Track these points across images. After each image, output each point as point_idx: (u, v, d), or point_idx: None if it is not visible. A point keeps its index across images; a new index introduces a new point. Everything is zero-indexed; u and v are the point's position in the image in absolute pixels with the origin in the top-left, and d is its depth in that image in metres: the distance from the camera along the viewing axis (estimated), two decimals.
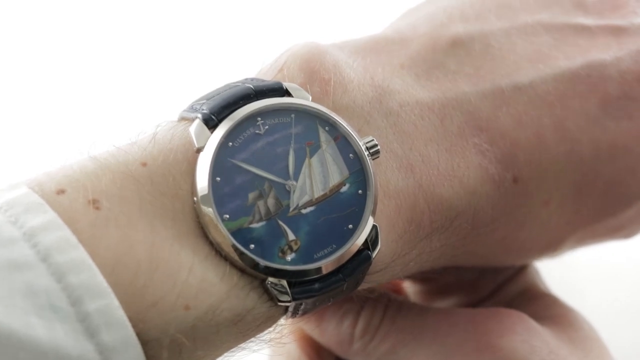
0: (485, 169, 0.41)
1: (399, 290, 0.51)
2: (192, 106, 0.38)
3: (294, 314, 0.38)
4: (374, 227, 0.38)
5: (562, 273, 0.60)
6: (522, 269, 0.49)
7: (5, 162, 0.87)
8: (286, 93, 0.38)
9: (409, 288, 0.51)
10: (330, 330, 0.47)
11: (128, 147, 0.37)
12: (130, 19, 0.99)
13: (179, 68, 0.95)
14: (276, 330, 0.39)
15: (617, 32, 0.45)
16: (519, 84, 0.42)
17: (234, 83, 0.39)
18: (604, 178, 0.44)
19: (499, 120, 0.42)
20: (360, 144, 0.38)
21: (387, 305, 0.46)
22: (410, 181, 0.40)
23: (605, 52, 0.44)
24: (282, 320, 0.39)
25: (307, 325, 0.47)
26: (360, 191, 0.38)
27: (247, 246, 0.35)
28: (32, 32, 0.97)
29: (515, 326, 0.43)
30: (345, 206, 0.37)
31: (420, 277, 0.49)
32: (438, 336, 0.44)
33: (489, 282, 0.49)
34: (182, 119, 0.38)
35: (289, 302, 0.36)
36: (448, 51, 0.43)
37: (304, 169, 0.37)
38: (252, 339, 0.37)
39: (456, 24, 0.44)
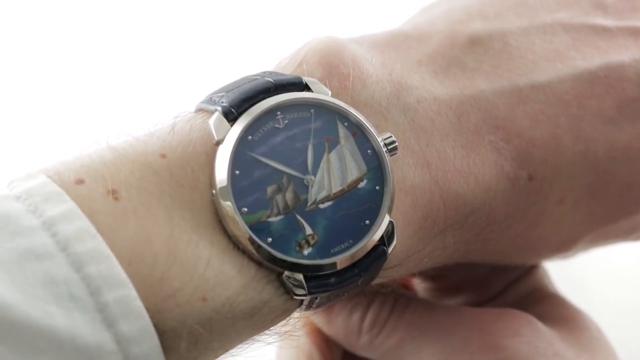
0: (501, 166, 0.41)
1: (409, 287, 0.51)
2: (210, 98, 0.38)
3: (309, 307, 0.38)
4: (390, 223, 0.38)
5: (570, 273, 0.60)
6: (531, 270, 0.49)
7: (11, 152, 0.87)
8: (305, 87, 0.38)
9: (419, 285, 0.51)
10: (339, 323, 0.47)
11: (146, 138, 0.37)
12: (140, 12, 0.99)
13: (187, 61, 0.95)
14: (290, 323, 0.39)
15: (636, 33, 0.45)
16: (537, 82, 0.42)
17: (252, 76, 0.39)
18: (619, 180, 0.44)
19: (516, 119, 0.42)
20: (378, 140, 0.38)
21: (395, 300, 0.46)
22: (427, 177, 0.40)
23: (623, 54, 0.44)
24: (295, 313, 0.39)
25: (317, 319, 0.48)
26: (377, 187, 0.38)
27: (264, 239, 0.35)
28: (37, 27, 0.97)
29: (521, 327, 0.43)
30: (363, 202, 0.37)
31: (430, 274, 0.49)
32: (444, 334, 0.44)
33: (498, 281, 0.49)
34: (200, 110, 0.38)
35: (305, 295, 0.36)
36: (466, 49, 0.43)
37: (323, 164, 0.37)
38: (267, 331, 0.38)
39: (475, 21, 0.44)
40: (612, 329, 0.49)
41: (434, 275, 0.49)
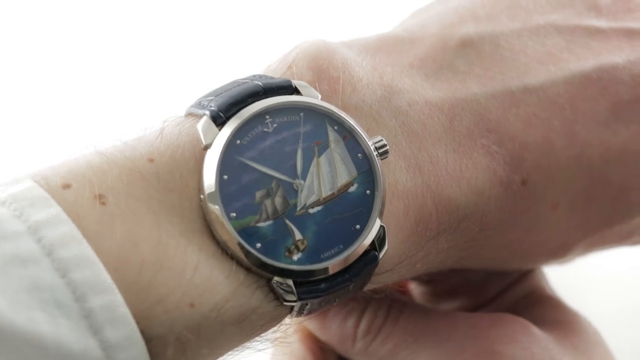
0: (494, 170, 0.41)
1: (404, 291, 0.50)
2: (199, 102, 0.38)
3: (299, 313, 0.38)
4: (382, 227, 0.38)
5: (568, 276, 0.60)
6: (528, 272, 0.49)
7: (5, 155, 0.87)
8: (295, 91, 0.38)
9: (415, 289, 0.51)
10: (333, 329, 0.47)
11: (135, 142, 0.37)
12: (134, 15, 0.99)
13: (182, 63, 0.95)
14: (281, 330, 0.39)
15: (630, 34, 0.45)
16: (529, 85, 0.42)
17: (241, 80, 0.39)
18: (614, 184, 0.44)
19: (508, 122, 0.42)
20: (369, 144, 0.38)
21: (390, 305, 0.46)
22: (419, 182, 0.40)
23: (617, 55, 0.44)
24: (287, 320, 0.39)
25: (311, 324, 0.47)
26: (368, 191, 0.38)
27: (253, 245, 0.35)
28: (33, 29, 0.97)
29: (516, 333, 0.43)
30: (353, 206, 0.37)
31: (426, 279, 0.49)
32: (439, 340, 0.44)
33: (495, 284, 0.49)
34: (189, 114, 0.38)
35: (295, 301, 0.36)
36: (458, 51, 0.43)
37: (312, 168, 0.37)
38: (257, 338, 0.37)
39: (467, 24, 0.44)
40: (612, 333, 0.49)
41: (429, 279, 0.49)
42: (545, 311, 0.47)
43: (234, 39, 0.95)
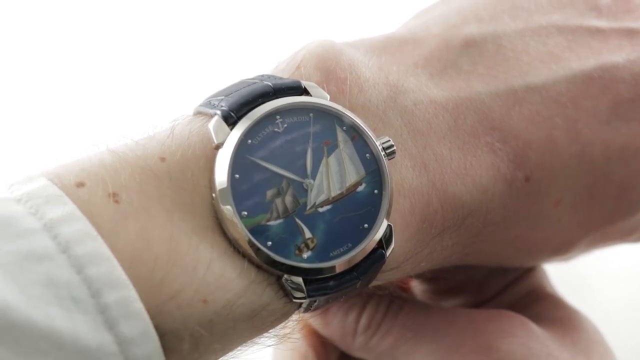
0: (498, 167, 0.42)
1: (406, 288, 0.51)
2: (209, 101, 0.38)
3: (307, 309, 0.38)
4: (389, 226, 0.38)
5: (570, 274, 0.60)
6: (529, 270, 0.49)
7: (11, 154, 0.87)
8: (304, 91, 0.38)
9: (417, 287, 0.51)
10: (334, 324, 0.47)
11: (146, 142, 0.37)
12: (141, 14, 0.99)
13: (187, 63, 0.95)
14: (289, 326, 0.39)
15: (631, 34, 0.45)
16: (532, 84, 0.43)
17: (251, 80, 0.39)
18: (616, 181, 0.44)
19: (512, 120, 0.42)
20: (377, 144, 0.38)
21: (390, 301, 0.46)
22: (424, 180, 0.40)
23: (618, 54, 0.44)
24: (294, 316, 0.39)
25: (313, 320, 0.48)
26: (376, 191, 0.38)
27: (264, 243, 0.36)
28: (35, 29, 0.97)
29: (514, 329, 0.44)
30: (361, 205, 0.38)
31: (428, 276, 0.49)
32: (438, 335, 0.44)
33: (496, 282, 0.49)
34: (199, 113, 0.38)
35: (304, 299, 0.36)
36: (461, 51, 0.43)
37: (322, 167, 0.37)
38: (266, 333, 0.38)
39: (470, 24, 0.44)
40: (613, 331, 0.49)
41: (431, 277, 0.49)
42: (545, 309, 0.47)
43: (240, 39, 0.95)
